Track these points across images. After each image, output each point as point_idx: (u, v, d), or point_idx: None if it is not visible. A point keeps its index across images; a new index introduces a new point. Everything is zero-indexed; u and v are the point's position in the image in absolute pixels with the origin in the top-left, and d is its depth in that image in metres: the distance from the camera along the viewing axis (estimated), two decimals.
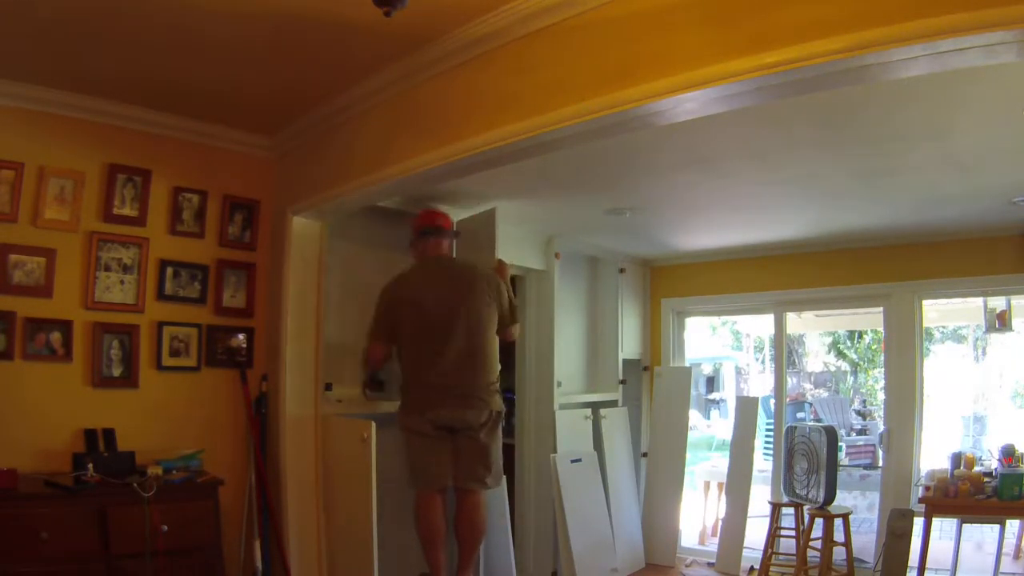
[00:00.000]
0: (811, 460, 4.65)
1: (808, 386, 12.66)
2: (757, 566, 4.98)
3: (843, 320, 9.28)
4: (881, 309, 5.08)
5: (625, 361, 5.56)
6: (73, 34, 2.61)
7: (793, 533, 4.79)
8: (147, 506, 2.80)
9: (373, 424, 3.29)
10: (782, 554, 5.00)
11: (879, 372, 9.61)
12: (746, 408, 5.58)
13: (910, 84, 2.13)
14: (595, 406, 5.12)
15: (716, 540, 5.58)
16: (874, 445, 7.62)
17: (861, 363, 12.20)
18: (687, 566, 5.33)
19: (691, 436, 5.78)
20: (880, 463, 5.51)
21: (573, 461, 4.70)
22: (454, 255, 3.66)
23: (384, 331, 3.33)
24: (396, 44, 2.67)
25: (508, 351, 5.10)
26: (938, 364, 10.46)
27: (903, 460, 4.72)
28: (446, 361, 3.19)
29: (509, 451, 4.94)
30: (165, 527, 2.83)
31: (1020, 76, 2.30)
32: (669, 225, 4.81)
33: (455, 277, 3.37)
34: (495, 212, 3.82)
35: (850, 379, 12.44)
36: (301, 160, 3.61)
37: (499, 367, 3.36)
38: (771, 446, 6.29)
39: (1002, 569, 4.58)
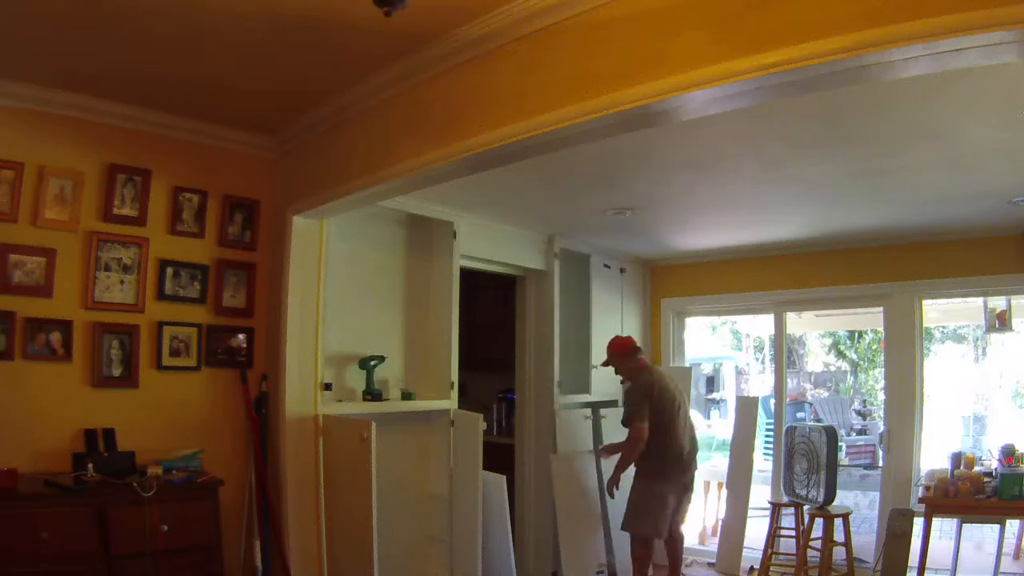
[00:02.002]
0: (811, 460, 4.66)
1: (808, 386, 12.66)
2: (757, 566, 4.98)
3: (843, 320, 9.29)
4: (881, 309, 5.08)
5: None
6: (73, 33, 2.60)
7: (793, 533, 4.79)
8: (147, 506, 2.79)
9: (373, 424, 3.29)
10: (782, 554, 5.00)
11: (879, 372, 9.61)
12: (746, 408, 5.58)
13: (910, 84, 2.13)
14: (595, 406, 5.12)
15: (716, 540, 5.58)
16: (874, 445, 7.64)
17: (861, 363, 12.21)
18: (687, 566, 5.33)
19: None
20: (880, 463, 5.52)
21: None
22: None
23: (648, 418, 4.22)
24: (396, 44, 2.67)
25: (510, 352, 5.11)
26: (938, 364, 10.46)
27: (903, 460, 4.73)
28: (685, 443, 4.30)
29: (509, 451, 4.95)
30: (165, 527, 2.83)
31: (1020, 76, 2.30)
32: (669, 225, 4.81)
33: (673, 379, 4.54)
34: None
35: (850, 379, 12.45)
36: (301, 160, 3.61)
37: None
38: (771, 446, 6.30)
39: (1002, 569, 4.58)
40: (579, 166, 3.40)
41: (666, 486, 4.22)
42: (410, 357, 4.14)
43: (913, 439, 4.72)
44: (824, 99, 2.49)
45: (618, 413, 5.38)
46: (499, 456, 4.73)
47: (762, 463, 6.72)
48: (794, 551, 4.74)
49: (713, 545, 5.58)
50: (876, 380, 11.10)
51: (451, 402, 4.12)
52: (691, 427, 4.45)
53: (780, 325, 5.58)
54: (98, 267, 3.25)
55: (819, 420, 8.78)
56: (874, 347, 11.48)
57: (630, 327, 5.68)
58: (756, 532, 5.29)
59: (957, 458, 4.29)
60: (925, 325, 5.04)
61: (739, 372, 14.09)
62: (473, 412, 4.01)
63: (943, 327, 10.59)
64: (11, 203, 3.03)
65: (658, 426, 4.20)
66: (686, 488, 4.39)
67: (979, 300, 5.61)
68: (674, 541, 4.48)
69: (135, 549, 2.76)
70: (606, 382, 5.27)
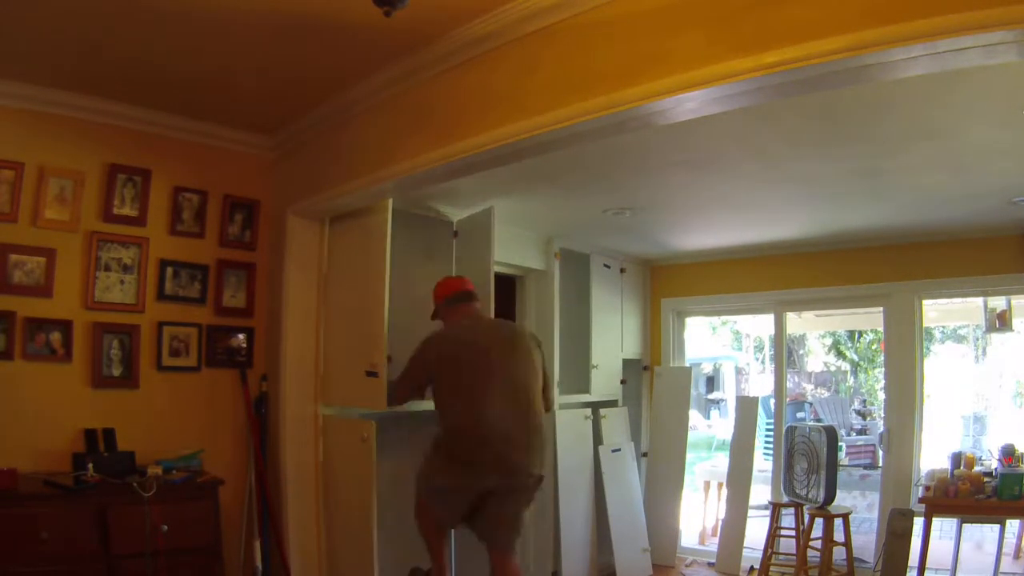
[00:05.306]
0: (811, 460, 4.66)
1: (808, 386, 12.66)
2: (757, 566, 4.98)
3: (843, 320, 9.29)
4: (881, 309, 5.08)
5: (625, 361, 5.56)
6: (73, 32, 2.61)
7: (793, 533, 4.79)
8: (147, 506, 2.79)
9: (373, 424, 3.29)
10: (782, 554, 5.00)
11: (879, 372, 9.61)
12: (746, 408, 5.58)
13: (911, 84, 2.13)
14: (595, 406, 5.12)
15: (716, 540, 5.58)
16: (874, 445, 7.62)
17: (861, 363, 12.21)
18: (687, 566, 5.33)
19: (691, 436, 5.79)
20: (880, 463, 5.52)
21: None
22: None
23: (417, 386, 3.15)
24: (396, 44, 2.67)
25: None
26: (938, 364, 10.47)
27: (903, 460, 4.73)
28: (497, 423, 2.92)
29: None
30: (165, 527, 2.83)
31: (1020, 76, 2.30)
32: (669, 225, 4.81)
33: (501, 335, 3.15)
34: (492, 211, 3.81)
35: (850, 379, 12.45)
36: (301, 160, 3.62)
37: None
38: (771, 446, 6.30)
39: (1002, 569, 4.58)
40: (579, 166, 3.40)
41: (451, 478, 2.95)
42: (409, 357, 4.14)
43: (913, 439, 4.72)
44: (824, 99, 2.49)
45: (619, 413, 5.40)
46: None
47: (762, 463, 6.72)
48: (794, 551, 4.74)
49: (713, 545, 5.58)
50: (876, 380, 11.10)
51: None
52: (533, 412, 3.03)
53: (780, 325, 5.58)
54: (98, 267, 3.25)
55: (819, 420, 8.77)
56: (874, 347, 11.48)
57: (630, 327, 5.68)
58: (756, 532, 5.29)
59: (957, 458, 4.29)
60: (925, 325, 5.04)
61: (739, 372, 14.11)
62: None
63: (943, 327, 10.60)
64: (11, 203, 3.03)
65: (449, 392, 3.05)
66: (494, 494, 2.95)
67: (979, 300, 5.62)
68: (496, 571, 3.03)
69: (135, 549, 2.76)
70: (606, 382, 5.28)
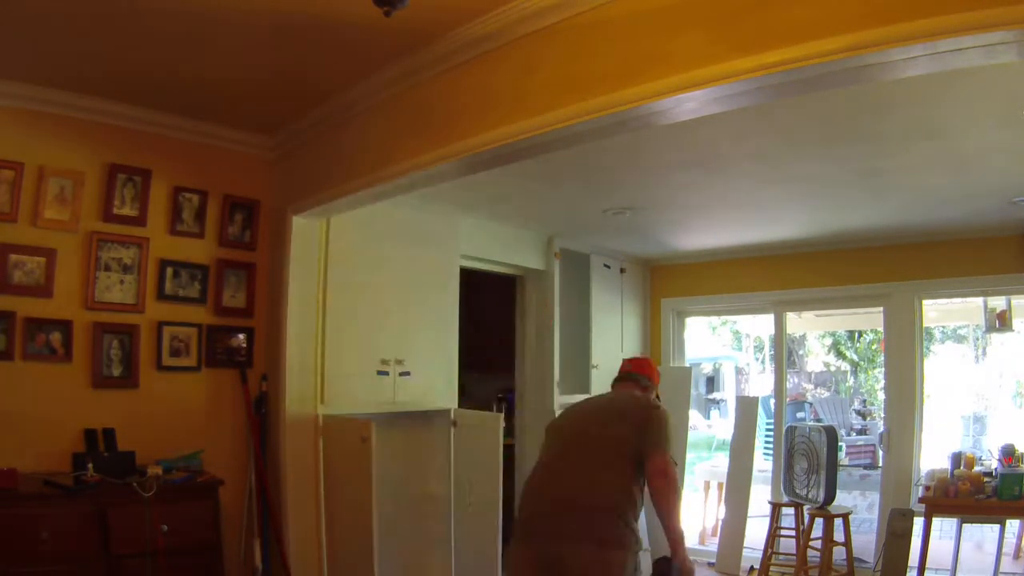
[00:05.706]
0: (811, 460, 4.66)
1: (808, 386, 12.66)
2: (757, 566, 4.98)
3: (843, 320, 9.29)
4: (881, 309, 5.08)
5: None
6: (74, 32, 2.60)
7: (793, 533, 4.79)
8: (147, 506, 2.79)
9: (373, 424, 3.29)
10: (782, 554, 5.00)
11: (879, 372, 9.61)
12: (746, 408, 5.59)
13: (910, 84, 2.13)
14: None
15: (716, 540, 5.58)
16: (874, 445, 7.63)
17: (861, 363, 12.21)
18: None
19: (691, 436, 5.79)
20: (880, 463, 5.52)
21: None
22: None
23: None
24: (396, 44, 2.67)
25: (510, 352, 5.10)
26: (938, 364, 10.47)
27: (903, 460, 4.73)
28: (557, 487, 2.70)
29: (509, 451, 4.95)
30: (165, 527, 2.83)
31: (1020, 76, 2.30)
32: (669, 225, 4.81)
33: (609, 408, 2.95)
34: None
35: (850, 379, 12.45)
36: (301, 160, 3.61)
37: (630, 507, 2.77)
38: (771, 446, 6.30)
39: (1002, 569, 4.59)
40: (579, 166, 3.40)
41: (514, 546, 2.67)
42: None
43: (913, 439, 4.72)
44: (824, 99, 2.49)
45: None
46: None
47: (762, 463, 6.73)
48: (794, 551, 4.74)
49: (713, 545, 5.58)
50: (876, 380, 11.11)
51: (452, 402, 4.13)
52: (588, 478, 2.68)
53: (780, 325, 5.58)
54: (98, 267, 3.25)
55: (819, 420, 8.77)
56: (874, 347, 11.48)
57: (630, 327, 5.68)
58: (756, 532, 5.29)
59: (957, 458, 4.29)
60: (925, 325, 5.05)
61: (739, 372, 14.11)
62: (491, 413, 4.00)
63: (943, 327, 10.60)
64: (11, 203, 3.03)
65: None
66: (547, 565, 2.53)
67: (979, 300, 5.62)
68: None
69: (135, 549, 2.76)
70: (607, 382, 5.27)
